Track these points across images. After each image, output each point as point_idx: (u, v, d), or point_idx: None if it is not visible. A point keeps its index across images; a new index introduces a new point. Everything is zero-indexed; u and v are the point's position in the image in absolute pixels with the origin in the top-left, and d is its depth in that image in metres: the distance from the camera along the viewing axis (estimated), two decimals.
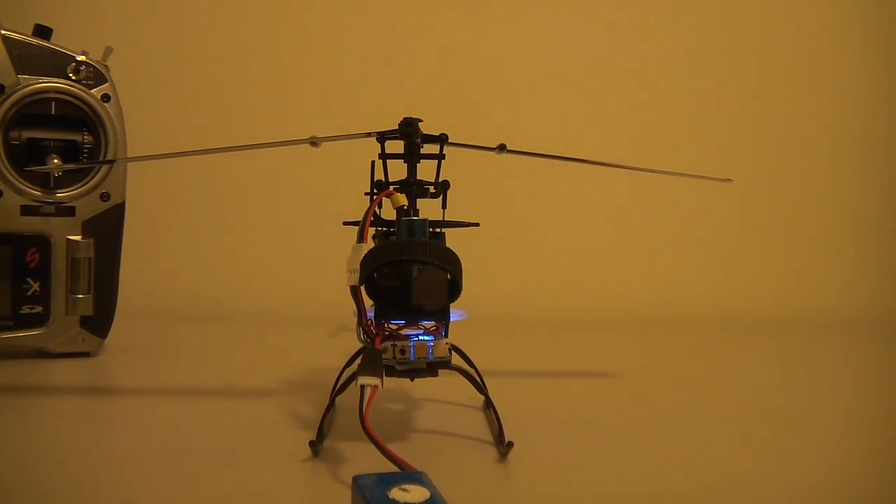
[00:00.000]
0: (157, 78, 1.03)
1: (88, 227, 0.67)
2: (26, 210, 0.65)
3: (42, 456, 0.43)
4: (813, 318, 1.03)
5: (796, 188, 1.15)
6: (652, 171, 0.58)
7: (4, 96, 0.63)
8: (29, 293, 0.65)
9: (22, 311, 0.65)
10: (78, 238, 0.67)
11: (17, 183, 0.65)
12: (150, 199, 0.96)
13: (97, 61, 0.67)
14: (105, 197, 0.68)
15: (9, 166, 0.64)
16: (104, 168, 0.67)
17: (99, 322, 0.68)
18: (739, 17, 1.14)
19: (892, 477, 0.44)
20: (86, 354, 0.68)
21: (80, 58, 0.66)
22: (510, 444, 0.43)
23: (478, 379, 0.47)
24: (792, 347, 0.89)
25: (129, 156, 0.70)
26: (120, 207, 0.69)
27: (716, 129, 1.13)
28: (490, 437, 0.46)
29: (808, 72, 1.15)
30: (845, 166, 1.16)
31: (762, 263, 1.11)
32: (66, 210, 0.66)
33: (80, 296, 0.66)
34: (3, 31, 0.64)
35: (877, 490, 0.42)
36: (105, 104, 0.67)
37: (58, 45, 0.66)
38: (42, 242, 0.66)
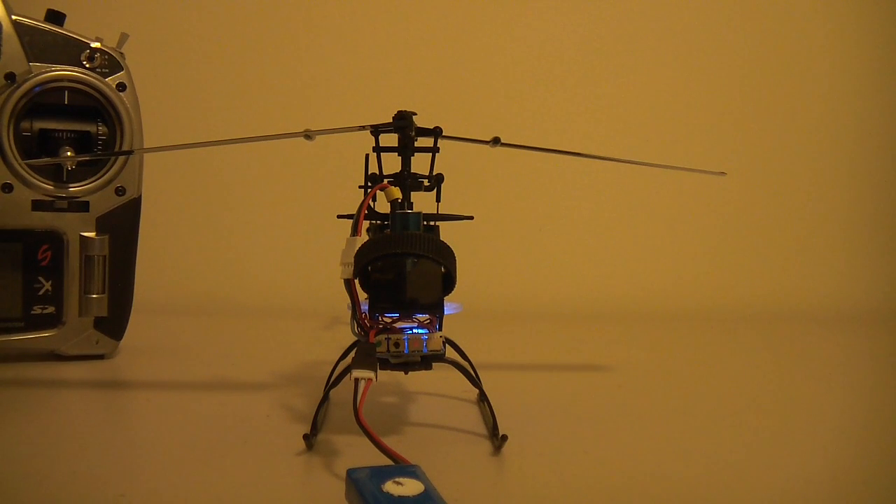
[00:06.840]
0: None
1: (103, 223, 0.64)
2: (38, 205, 0.62)
3: (41, 451, 0.43)
4: (806, 311, 1.03)
5: (790, 182, 1.15)
6: (646, 164, 0.58)
7: (15, 85, 0.60)
8: (40, 293, 0.62)
9: (33, 312, 0.62)
10: (92, 235, 0.63)
11: (28, 176, 0.61)
12: (146, 193, 0.95)
13: (112, 48, 0.64)
14: (120, 191, 0.64)
15: (20, 159, 0.61)
16: (119, 161, 0.64)
17: (114, 323, 0.65)
18: (733, 11, 1.14)
19: (886, 470, 0.44)
20: (100, 357, 0.64)
21: (95, 45, 0.63)
22: (504, 438, 0.43)
23: (472, 372, 0.47)
24: (785, 340, 0.89)
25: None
26: (136, 202, 0.65)
27: (710, 123, 1.13)
28: (484, 431, 0.47)
29: (802, 66, 1.16)
30: (839, 160, 1.17)
31: (756, 257, 1.12)
32: (79, 205, 0.63)
33: (95, 296, 0.63)
34: (14, 17, 0.61)
35: (871, 483, 0.42)
36: (120, 93, 0.64)
37: (71, 32, 0.63)
38: (54, 239, 0.62)
